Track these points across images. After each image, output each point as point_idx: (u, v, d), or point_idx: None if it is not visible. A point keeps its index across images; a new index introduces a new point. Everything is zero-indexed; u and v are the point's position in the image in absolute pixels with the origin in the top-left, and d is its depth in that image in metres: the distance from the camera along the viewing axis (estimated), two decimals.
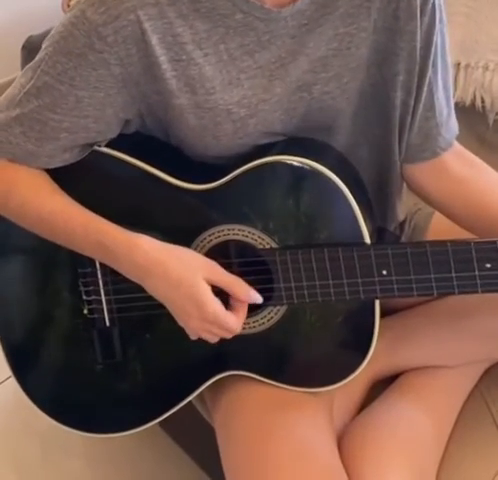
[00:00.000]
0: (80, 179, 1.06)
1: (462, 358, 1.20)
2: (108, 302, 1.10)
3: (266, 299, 1.03)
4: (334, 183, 1.00)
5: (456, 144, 1.12)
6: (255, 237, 1.03)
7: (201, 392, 1.13)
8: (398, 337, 1.22)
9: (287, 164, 1.01)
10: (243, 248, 1.05)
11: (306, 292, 1.02)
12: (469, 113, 1.47)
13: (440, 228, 1.23)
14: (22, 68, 1.02)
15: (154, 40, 0.94)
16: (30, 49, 1.27)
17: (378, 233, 1.09)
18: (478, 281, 0.99)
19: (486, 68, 1.47)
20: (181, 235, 1.04)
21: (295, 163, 1.01)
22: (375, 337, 1.05)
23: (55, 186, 1.05)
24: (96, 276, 1.09)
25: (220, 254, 1.04)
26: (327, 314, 1.06)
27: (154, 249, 0.99)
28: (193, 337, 1.02)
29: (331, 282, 1.01)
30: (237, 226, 1.03)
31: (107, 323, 1.11)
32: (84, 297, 1.10)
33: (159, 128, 1.04)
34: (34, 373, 1.16)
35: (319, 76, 1.01)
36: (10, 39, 1.56)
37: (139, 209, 1.07)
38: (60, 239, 1.04)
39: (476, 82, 1.47)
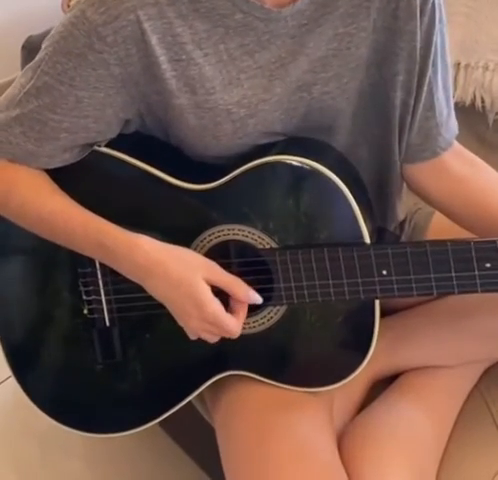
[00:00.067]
0: (80, 179, 1.06)
1: (462, 358, 1.20)
2: (108, 302, 1.10)
3: (266, 299, 1.03)
4: (334, 183, 1.00)
5: (456, 144, 1.12)
6: (255, 237, 1.03)
7: (201, 392, 1.13)
8: (398, 337, 1.22)
9: (287, 164, 1.01)
10: (243, 248, 1.04)
11: (306, 292, 1.02)
12: (469, 113, 1.48)
13: (440, 228, 1.23)
14: (22, 68, 1.02)
15: (154, 40, 0.94)
16: (30, 49, 1.27)
17: (378, 233, 1.09)
18: (478, 281, 0.99)
19: (486, 68, 1.47)
20: (181, 235, 1.04)
21: (295, 163, 1.01)
22: (375, 337, 1.05)
23: (55, 186, 1.05)
24: (96, 276, 1.09)
25: (220, 254, 1.04)
26: (327, 314, 1.06)
27: (154, 249, 0.99)
28: (193, 337, 1.02)
29: (331, 282, 1.01)
30: (237, 226, 1.03)
31: (107, 323, 1.11)
32: (84, 297, 1.10)
33: (159, 128, 1.04)
34: (34, 373, 1.16)
35: (319, 76, 1.01)
36: (10, 39, 1.56)
37: (139, 209, 1.07)
38: (60, 239, 1.04)
39: (476, 82, 1.47)
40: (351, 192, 1.00)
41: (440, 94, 1.07)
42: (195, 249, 1.05)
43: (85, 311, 1.11)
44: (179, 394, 1.13)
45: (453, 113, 1.12)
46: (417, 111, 1.06)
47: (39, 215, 1.03)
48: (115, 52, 0.94)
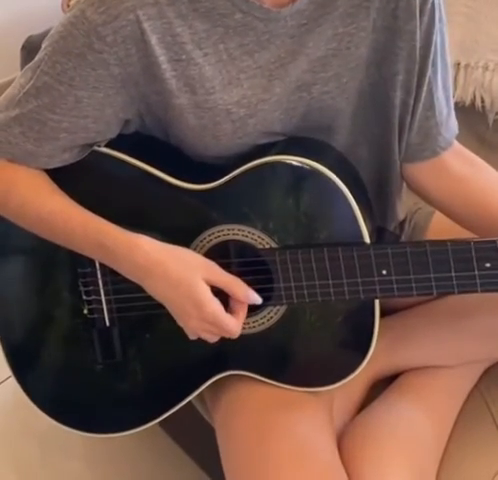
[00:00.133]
0: (80, 179, 1.06)
1: (462, 358, 1.20)
2: (108, 302, 1.10)
3: (266, 299, 1.03)
4: (334, 183, 1.00)
5: (456, 143, 1.12)
6: (255, 237, 1.03)
7: (201, 392, 1.13)
8: (398, 337, 1.22)
9: (287, 164, 1.01)
10: (243, 248, 1.04)
11: (306, 292, 1.02)
12: (469, 113, 1.47)
13: (440, 227, 1.23)
14: (22, 68, 1.02)
15: (153, 40, 0.94)
16: (30, 49, 1.27)
17: (378, 233, 1.09)
18: (478, 280, 0.99)
19: (486, 68, 1.47)
20: (181, 235, 1.04)
21: (295, 163, 1.01)
22: (375, 337, 1.05)
23: (54, 186, 1.05)
24: (96, 276, 1.09)
25: (220, 254, 1.04)
26: (327, 314, 1.06)
27: (154, 249, 0.99)
28: (192, 337, 1.02)
29: (331, 282, 1.01)
30: (237, 226, 1.03)
31: (107, 323, 1.11)
32: (84, 297, 1.10)
33: (159, 128, 1.04)
34: (34, 373, 1.16)
35: (318, 76, 1.01)
36: (10, 39, 1.56)
37: (139, 209, 1.07)
38: (59, 239, 1.04)
39: (476, 82, 1.47)
40: (351, 192, 1.00)
41: (440, 94, 1.07)
42: (195, 249, 1.05)
43: (85, 311, 1.11)
44: (179, 394, 1.13)
45: (453, 113, 1.12)
46: (417, 111, 1.06)
47: (38, 215, 1.03)
48: (115, 52, 0.94)
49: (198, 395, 1.13)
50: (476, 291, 1.00)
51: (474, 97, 1.48)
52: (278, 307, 1.06)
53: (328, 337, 1.08)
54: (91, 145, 1.04)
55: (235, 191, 1.03)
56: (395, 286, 1.00)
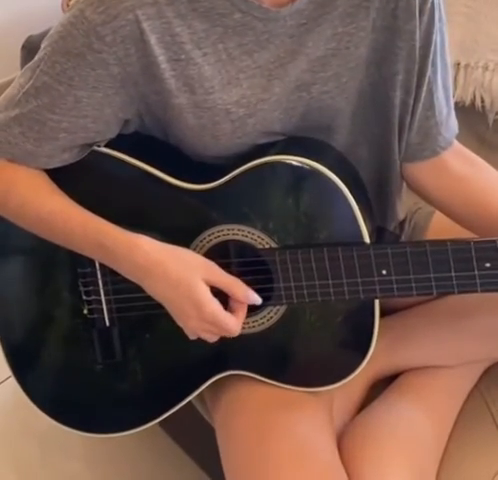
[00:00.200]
0: (79, 179, 1.06)
1: (462, 358, 1.20)
2: (108, 302, 1.10)
3: (266, 299, 1.03)
4: (334, 183, 1.00)
5: (456, 143, 1.12)
6: (255, 237, 1.03)
7: (201, 392, 1.13)
8: (398, 337, 1.22)
9: (287, 164, 1.01)
10: (243, 248, 1.04)
11: (305, 292, 1.02)
12: (469, 113, 1.47)
13: (440, 227, 1.23)
14: (22, 68, 1.02)
15: (153, 40, 0.94)
16: (30, 49, 1.27)
17: (378, 233, 1.09)
18: (477, 280, 0.99)
19: (486, 68, 1.47)
20: (181, 235, 1.04)
21: (295, 163, 1.01)
22: (375, 337, 1.05)
23: (54, 186, 1.05)
24: (96, 276, 1.09)
25: (220, 254, 1.04)
26: (327, 314, 1.06)
27: (154, 250, 0.99)
28: (192, 337, 1.02)
29: (331, 282, 1.01)
30: (237, 226, 1.03)
31: (107, 323, 1.11)
32: (84, 297, 1.10)
33: (158, 128, 1.04)
34: (34, 373, 1.16)
35: (318, 76, 1.01)
36: (10, 39, 1.56)
37: (139, 209, 1.07)
38: (59, 239, 1.04)
39: (476, 82, 1.47)
40: (351, 192, 1.00)
41: (440, 93, 1.07)
42: (195, 249, 1.05)
43: (85, 311, 1.11)
44: (179, 394, 1.13)
45: (453, 112, 1.12)
46: (417, 110, 1.06)
47: (38, 215, 1.03)
48: (114, 52, 0.93)
49: (198, 395, 1.13)
50: (476, 291, 1.00)
51: (474, 97, 1.48)
52: (278, 307, 1.06)
53: (328, 337, 1.08)
54: (91, 145, 1.04)
55: (235, 191, 1.03)
56: (395, 286, 1.00)
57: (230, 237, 1.04)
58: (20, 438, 1.64)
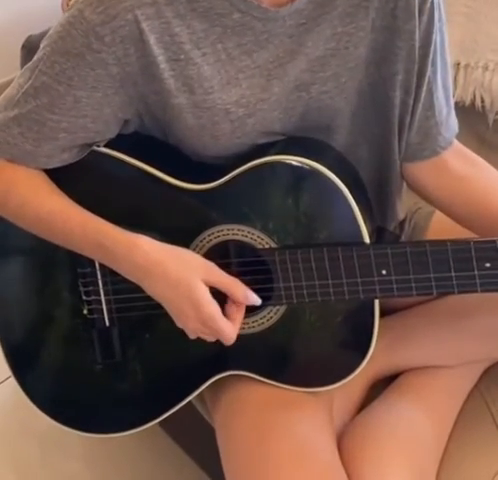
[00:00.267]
0: (79, 179, 1.06)
1: (462, 358, 1.20)
2: (108, 302, 1.10)
3: (265, 299, 1.03)
4: (333, 183, 1.00)
5: (456, 143, 1.12)
6: (254, 237, 1.03)
7: (201, 392, 1.13)
8: (398, 337, 1.22)
9: (286, 164, 1.01)
10: (242, 248, 1.04)
11: (305, 292, 1.02)
12: (469, 113, 1.47)
13: (440, 227, 1.23)
14: (22, 68, 1.02)
15: (152, 40, 0.94)
16: (29, 49, 1.27)
17: (377, 232, 1.09)
18: (477, 280, 0.99)
19: (486, 68, 1.47)
20: (180, 235, 1.04)
21: (294, 163, 1.00)
22: (375, 337, 1.05)
23: (53, 186, 1.05)
24: (95, 276, 1.09)
25: (219, 254, 1.04)
26: (327, 314, 1.06)
27: (154, 250, 0.99)
28: (192, 336, 1.02)
29: (330, 282, 1.01)
30: (236, 226, 1.03)
31: (107, 323, 1.11)
32: (84, 297, 1.10)
33: (157, 128, 1.04)
34: (34, 373, 1.16)
35: (317, 75, 1.01)
36: (10, 39, 1.56)
37: (138, 209, 1.07)
38: (58, 239, 1.04)
39: (476, 82, 1.47)
40: (351, 192, 1.00)
41: (440, 93, 1.07)
42: (194, 249, 1.05)
43: (85, 311, 1.11)
44: (179, 394, 1.13)
45: (453, 112, 1.12)
46: (416, 110, 1.06)
47: (37, 215, 1.03)
48: (113, 52, 0.93)
49: (198, 395, 1.13)
50: (476, 291, 1.00)
51: (474, 97, 1.48)
52: (278, 307, 1.06)
53: (328, 337, 1.08)
54: (90, 145, 1.04)
55: (235, 191, 1.03)
56: (395, 286, 1.00)
57: (230, 237, 1.04)
58: (20, 438, 1.64)
